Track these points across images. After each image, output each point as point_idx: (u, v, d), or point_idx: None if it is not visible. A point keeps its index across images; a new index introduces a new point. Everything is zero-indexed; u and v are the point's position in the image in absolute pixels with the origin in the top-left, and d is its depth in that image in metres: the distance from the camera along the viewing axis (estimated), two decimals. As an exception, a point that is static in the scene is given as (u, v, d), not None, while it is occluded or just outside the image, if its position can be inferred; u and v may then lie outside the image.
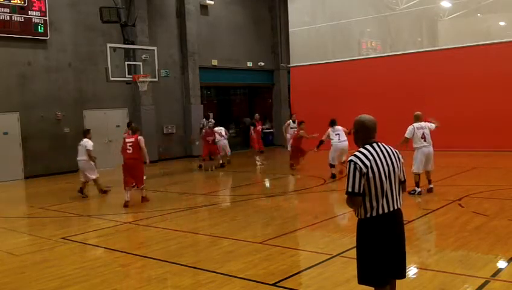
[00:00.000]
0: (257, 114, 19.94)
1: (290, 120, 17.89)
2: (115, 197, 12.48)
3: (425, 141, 10.07)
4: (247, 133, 23.20)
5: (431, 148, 10.16)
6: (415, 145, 10.21)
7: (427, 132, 10.12)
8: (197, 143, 17.99)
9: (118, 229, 8.83)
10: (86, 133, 12.50)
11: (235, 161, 17.89)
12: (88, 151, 12.04)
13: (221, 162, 17.16)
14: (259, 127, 19.42)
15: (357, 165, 3.75)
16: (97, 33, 18.17)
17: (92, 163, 12.18)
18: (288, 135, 17.44)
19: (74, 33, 17.94)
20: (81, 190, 12.33)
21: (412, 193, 10.04)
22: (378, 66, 20.35)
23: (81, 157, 12.17)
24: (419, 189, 10.15)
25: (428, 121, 10.40)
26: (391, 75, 19.68)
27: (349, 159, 3.82)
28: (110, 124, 18.68)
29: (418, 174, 10.12)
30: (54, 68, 17.45)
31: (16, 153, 16.46)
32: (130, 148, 11.07)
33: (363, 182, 3.75)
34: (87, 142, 12.11)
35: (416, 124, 10.19)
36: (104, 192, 12.49)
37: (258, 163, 17.61)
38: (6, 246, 7.81)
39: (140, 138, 11.26)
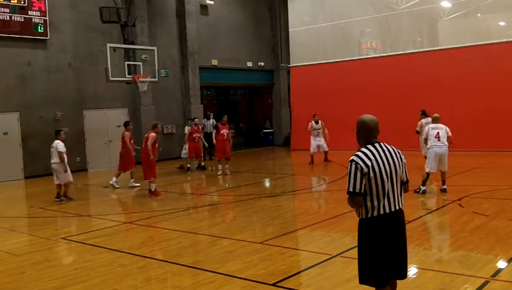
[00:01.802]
0: (226, 115, 15.81)
1: (312, 121, 16.59)
2: (115, 198, 12.49)
3: (438, 140, 10.08)
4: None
5: (444, 149, 10.12)
6: (428, 145, 10.24)
7: (442, 133, 10.12)
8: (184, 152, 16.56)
9: (118, 229, 8.83)
10: (57, 134, 11.60)
11: (234, 162, 17.84)
12: (59, 154, 11.22)
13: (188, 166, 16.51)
14: (223, 131, 15.09)
15: (358, 165, 3.75)
16: (97, 33, 18.17)
17: (65, 166, 11.32)
18: (312, 137, 16.49)
19: (74, 33, 17.94)
20: (64, 195, 11.66)
21: (417, 191, 10.09)
22: (378, 66, 20.36)
23: (53, 160, 11.37)
24: (424, 188, 10.17)
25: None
26: (391, 75, 19.69)
27: (351, 159, 3.82)
28: (110, 124, 18.68)
29: (428, 174, 10.15)
30: (53, 68, 17.44)
31: (16, 153, 16.46)
32: (143, 143, 11.83)
33: (364, 182, 3.75)
34: (58, 144, 11.29)
35: (432, 125, 10.30)
36: (68, 198, 11.67)
37: (219, 172, 15.23)
38: (6, 246, 7.81)
39: (151, 134, 11.68)
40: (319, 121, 16.53)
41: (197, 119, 17.04)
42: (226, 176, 14.92)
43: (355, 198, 3.76)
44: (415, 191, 10.06)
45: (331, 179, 13.65)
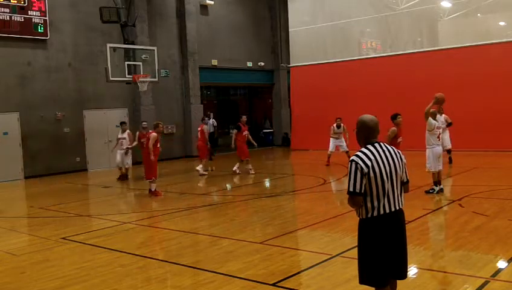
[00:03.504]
0: (244, 116, 15.94)
1: (334, 125, 16.28)
2: (115, 198, 12.49)
3: (439, 140, 10.17)
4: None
5: (441, 147, 10.27)
6: (428, 143, 10.17)
7: (441, 131, 10.24)
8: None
9: (118, 229, 8.82)
10: None
11: (233, 162, 17.78)
12: None
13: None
14: (245, 133, 15.14)
15: (358, 165, 3.76)
16: (97, 33, 18.17)
17: None
18: (331, 140, 16.27)
19: (74, 33, 17.94)
20: None
21: (431, 191, 10.07)
22: (378, 66, 20.36)
23: None
24: (437, 188, 10.14)
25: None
26: (391, 75, 19.69)
27: (351, 159, 3.83)
28: (110, 124, 18.67)
29: (436, 173, 10.14)
30: (53, 68, 17.45)
31: (16, 153, 16.46)
32: (145, 143, 12.10)
33: (364, 182, 3.75)
34: None
35: (436, 124, 10.16)
36: None
37: (237, 171, 15.22)
38: (6, 246, 7.80)
39: (152, 134, 11.71)
40: (341, 125, 16.19)
41: (145, 123, 14.82)
42: (253, 175, 14.93)
43: (356, 198, 3.76)
44: (428, 192, 10.04)
45: (331, 179, 13.63)
